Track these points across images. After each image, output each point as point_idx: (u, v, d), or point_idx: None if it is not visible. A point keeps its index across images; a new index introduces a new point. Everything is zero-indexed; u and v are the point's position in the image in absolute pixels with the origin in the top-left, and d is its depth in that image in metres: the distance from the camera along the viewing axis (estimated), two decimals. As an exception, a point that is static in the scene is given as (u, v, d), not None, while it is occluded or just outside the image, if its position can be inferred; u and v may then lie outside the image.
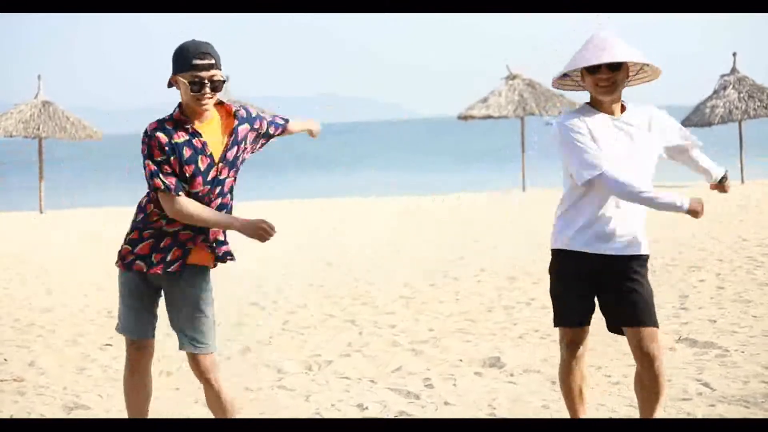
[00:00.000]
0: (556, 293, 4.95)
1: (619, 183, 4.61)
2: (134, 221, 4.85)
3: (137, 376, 4.88)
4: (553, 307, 4.97)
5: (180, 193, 4.63)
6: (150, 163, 4.64)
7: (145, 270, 4.76)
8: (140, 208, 4.83)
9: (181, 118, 4.71)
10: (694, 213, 4.63)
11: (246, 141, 4.84)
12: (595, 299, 4.91)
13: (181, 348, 4.82)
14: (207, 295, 4.80)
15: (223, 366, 7.36)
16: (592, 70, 4.73)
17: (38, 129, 26.67)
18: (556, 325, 4.98)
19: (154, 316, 4.89)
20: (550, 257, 4.94)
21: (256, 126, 4.90)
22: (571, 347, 4.96)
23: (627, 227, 4.76)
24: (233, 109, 4.82)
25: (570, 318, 4.92)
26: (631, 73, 4.87)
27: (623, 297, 4.80)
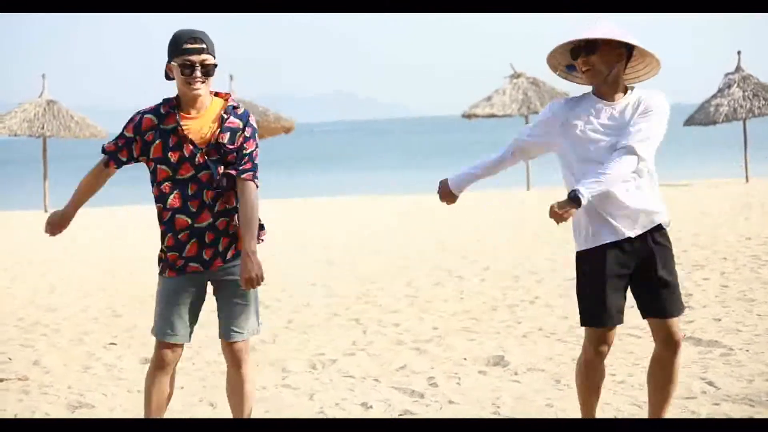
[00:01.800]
0: (584, 293, 4.82)
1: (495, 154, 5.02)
2: (163, 230, 4.85)
3: (166, 378, 4.89)
4: (582, 307, 4.84)
5: (108, 163, 4.86)
6: (120, 133, 4.84)
7: (203, 269, 4.79)
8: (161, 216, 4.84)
9: (173, 104, 4.77)
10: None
11: (235, 136, 4.76)
12: (627, 293, 4.82)
13: (219, 336, 4.88)
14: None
15: (226, 365, 7.38)
16: (575, 56, 4.73)
17: (42, 128, 26.71)
18: (583, 324, 4.84)
19: (196, 320, 4.90)
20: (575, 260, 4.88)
21: (246, 133, 4.77)
22: (600, 347, 4.82)
23: (636, 204, 4.68)
24: (230, 101, 4.82)
25: (600, 318, 4.76)
26: (632, 66, 4.80)
27: (650, 288, 4.73)
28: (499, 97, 29.32)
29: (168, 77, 4.78)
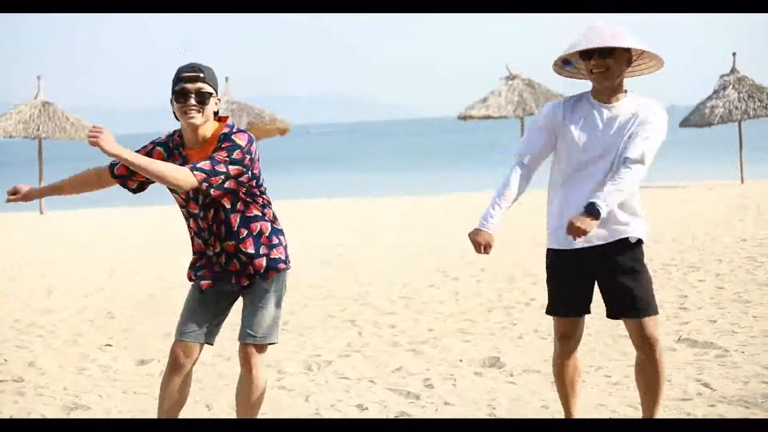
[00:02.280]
0: (549, 287, 5.01)
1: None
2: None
3: (177, 380, 4.86)
4: (548, 296, 5.02)
5: (114, 176, 4.88)
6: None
7: (223, 282, 4.86)
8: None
9: (176, 141, 4.76)
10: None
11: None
12: (591, 291, 4.91)
13: (239, 338, 4.88)
14: (274, 294, 4.88)
15: (223, 366, 7.39)
16: (586, 56, 4.72)
17: (38, 129, 26.50)
18: (547, 312, 5.01)
19: (218, 324, 4.92)
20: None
21: (223, 144, 4.64)
22: (563, 340, 5.00)
23: (609, 214, 4.67)
24: (224, 126, 4.71)
25: (561, 308, 4.94)
26: (633, 63, 4.84)
27: (620, 288, 4.79)
28: (495, 98, 29.31)
29: (175, 116, 4.72)
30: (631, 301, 4.77)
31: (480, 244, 4.87)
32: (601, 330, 7.95)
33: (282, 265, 4.87)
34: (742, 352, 7.03)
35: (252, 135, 4.74)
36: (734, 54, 28.83)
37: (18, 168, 53.85)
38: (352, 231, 17.92)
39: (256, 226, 4.79)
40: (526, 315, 9.04)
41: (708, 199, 21.01)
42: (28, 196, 5.03)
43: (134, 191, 4.90)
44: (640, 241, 4.81)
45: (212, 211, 4.75)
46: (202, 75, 4.63)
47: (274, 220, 4.87)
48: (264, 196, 4.83)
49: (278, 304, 4.93)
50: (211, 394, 6.62)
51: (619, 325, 8.23)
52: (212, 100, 4.67)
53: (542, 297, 9.86)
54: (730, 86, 28.35)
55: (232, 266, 4.81)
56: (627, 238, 4.76)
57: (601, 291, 4.90)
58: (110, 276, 12.76)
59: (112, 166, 4.87)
